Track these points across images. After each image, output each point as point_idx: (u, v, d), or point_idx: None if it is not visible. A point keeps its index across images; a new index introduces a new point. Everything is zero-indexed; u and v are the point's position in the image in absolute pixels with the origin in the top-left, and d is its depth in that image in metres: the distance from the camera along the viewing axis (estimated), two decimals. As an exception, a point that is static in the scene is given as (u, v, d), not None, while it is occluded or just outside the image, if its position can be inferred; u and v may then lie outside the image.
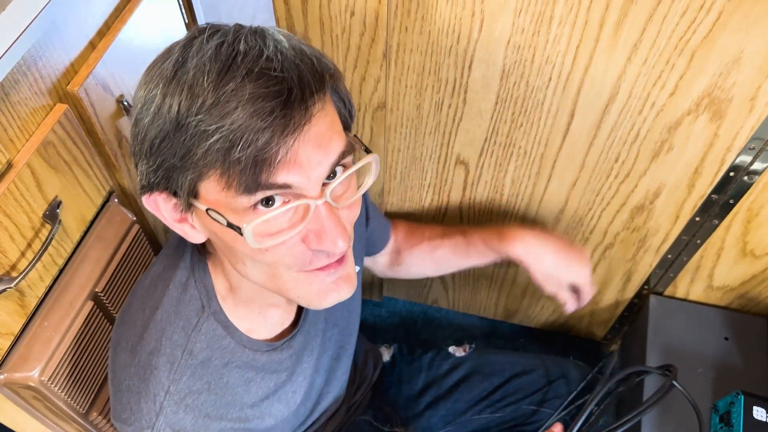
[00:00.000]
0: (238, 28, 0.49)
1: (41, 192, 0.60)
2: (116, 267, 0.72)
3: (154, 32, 0.72)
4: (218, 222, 0.49)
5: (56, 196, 0.62)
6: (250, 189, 0.46)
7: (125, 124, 0.71)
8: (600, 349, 1.38)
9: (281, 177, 0.46)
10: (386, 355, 1.09)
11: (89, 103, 0.64)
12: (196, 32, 0.48)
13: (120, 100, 0.69)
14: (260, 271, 0.54)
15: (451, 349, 1.08)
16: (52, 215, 0.61)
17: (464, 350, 1.08)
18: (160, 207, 0.52)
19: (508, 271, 1.19)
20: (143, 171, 0.50)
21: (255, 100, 0.44)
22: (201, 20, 0.80)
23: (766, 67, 0.70)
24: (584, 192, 0.95)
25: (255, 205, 0.48)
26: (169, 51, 0.49)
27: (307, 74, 0.47)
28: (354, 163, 0.53)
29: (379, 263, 0.95)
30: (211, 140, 0.45)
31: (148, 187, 0.51)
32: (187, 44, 0.48)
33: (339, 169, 0.51)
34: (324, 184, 0.50)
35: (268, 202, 0.48)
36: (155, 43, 0.51)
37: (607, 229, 1.01)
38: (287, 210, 0.49)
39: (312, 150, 0.47)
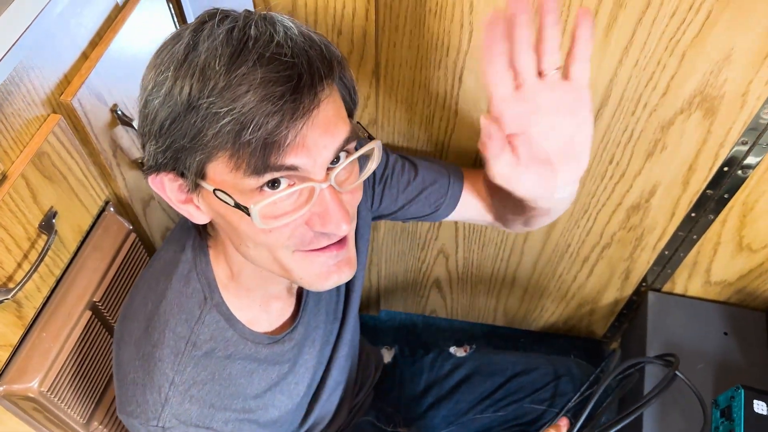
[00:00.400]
0: (248, 14, 0.50)
1: (36, 203, 0.60)
2: (114, 276, 0.72)
3: (147, 41, 0.73)
4: (225, 202, 0.50)
5: (51, 207, 0.62)
6: (258, 170, 0.48)
7: (120, 133, 0.71)
8: (600, 348, 1.38)
9: (289, 159, 0.48)
10: (387, 356, 1.10)
11: (83, 113, 0.64)
12: (206, 17, 0.50)
13: (114, 110, 0.69)
14: (262, 252, 0.55)
15: (452, 349, 1.08)
16: (47, 226, 0.61)
17: (465, 351, 1.08)
18: (166, 187, 0.54)
19: (506, 276, 1.19)
20: (151, 152, 0.51)
21: (266, 84, 0.46)
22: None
23: (756, 63, 0.71)
24: (579, 195, 0.95)
25: (261, 187, 0.49)
26: (178, 35, 0.50)
27: (316, 60, 0.48)
28: (357, 149, 0.54)
29: (484, 221, 0.84)
30: (222, 122, 0.46)
31: (155, 168, 0.52)
32: (197, 28, 0.49)
33: (343, 154, 0.53)
34: (329, 169, 0.51)
35: (274, 184, 0.50)
36: (148, 52, 0.51)
37: (604, 229, 1.01)
38: (293, 192, 0.50)
39: (319, 134, 0.49)
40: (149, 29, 0.74)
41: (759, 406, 0.88)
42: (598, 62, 0.74)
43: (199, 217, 0.56)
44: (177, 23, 0.80)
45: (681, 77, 0.74)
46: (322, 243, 0.54)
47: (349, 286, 0.77)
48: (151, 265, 0.65)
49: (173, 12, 0.79)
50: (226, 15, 0.49)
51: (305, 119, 0.47)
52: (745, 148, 0.81)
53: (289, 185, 0.50)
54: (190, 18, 0.80)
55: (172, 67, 0.48)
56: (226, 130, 0.46)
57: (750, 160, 0.82)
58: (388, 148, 0.79)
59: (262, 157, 0.47)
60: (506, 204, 0.71)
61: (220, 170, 0.49)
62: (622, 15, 0.69)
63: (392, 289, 1.32)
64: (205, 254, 0.62)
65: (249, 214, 0.49)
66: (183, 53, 0.48)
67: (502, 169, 0.54)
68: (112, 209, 0.73)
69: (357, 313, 0.81)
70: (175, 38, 0.50)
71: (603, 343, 1.38)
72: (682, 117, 0.79)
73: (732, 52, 0.70)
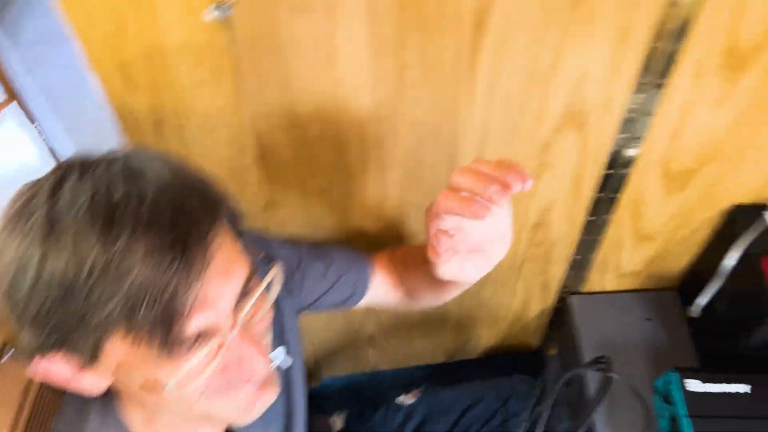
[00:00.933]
0: (108, 163, 0.44)
1: None
2: (26, 427, 0.67)
3: (11, 164, 0.69)
4: (131, 378, 0.46)
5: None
6: (162, 344, 0.43)
7: None
8: (541, 357, 1.41)
9: (193, 323, 0.44)
10: (338, 422, 1.07)
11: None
12: (62, 173, 0.43)
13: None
14: (173, 407, 0.51)
15: (400, 399, 1.07)
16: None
17: (414, 396, 1.07)
18: (53, 371, 0.47)
19: (435, 315, 1.20)
20: (29, 338, 0.45)
21: (151, 253, 0.41)
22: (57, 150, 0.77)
23: (609, 76, 0.76)
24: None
25: (169, 354, 0.45)
26: (34, 196, 0.43)
27: (198, 211, 0.44)
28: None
29: (393, 300, 0.85)
30: (111, 305, 0.41)
31: (37, 351, 0.45)
32: (55, 189, 0.43)
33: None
34: (235, 310, 0.48)
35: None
36: (13, 176, 0.48)
37: (515, 251, 1.05)
38: (203, 351, 0.46)
39: (219, 285, 0.46)
40: (11, 151, 0.70)
41: (693, 384, 0.92)
42: (470, 103, 0.77)
43: (99, 388, 0.49)
44: (41, 142, 0.76)
45: (548, 101, 0.78)
46: (239, 384, 0.51)
47: (288, 379, 0.74)
48: (57, 419, 0.59)
49: (35, 132, 0.75)
50: (85, 168, 0.44)
51: (201, 276, 0.43)
52: (620, 148, 0.86)
53: (197, 343, 0.46)
54: (52, 130, 0.76)
55: (37, 243, 0.41)
56: (117, 312, 0.41)
57: (628, 155, 0.87)
58: (296, 241, 0.78)
59: (162, 330, 0.43)
60: (430, 286, 0.75)
61: (118, 346, 0.44)
62: (480, 58, 0.72)
63: (330, 356, 1.30)
64: (114, 403, 0.57)
65: (160, 388, 0.45)
66: (47, 226, 0.41)
67: (449, 267, 0.61)
68: (9, 354, 0.68)
69: (304, 406, 0.78)
70: (30, 203, 0.43)
71: (542, 351, 1.41)
72: (559, 136, 0.83)
73: (586, 71, 0.75)
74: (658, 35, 0.72)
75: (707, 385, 0.92)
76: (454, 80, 0.74)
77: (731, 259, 0.93)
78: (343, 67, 0.71)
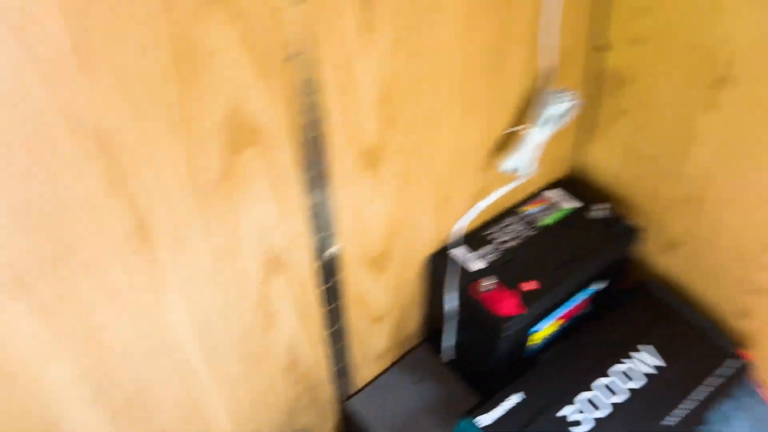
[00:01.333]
0: None
1: None
2: None
3: None
4: None
5: None
6: None
7: None
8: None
9: None
10: None
11: None
12: None
13: None
14: None
15: None
16: None
17: None
18: None
19: None
20: None
21: None
22: None
23: (283, 218, 0.80)
24: (247, 393, 0.94)
25: None
26: None
27: None
28: None
29: None
30: None
31: None
32: None
33: None
34: None
35: None
36: None
37: (287, 397, 1.03)
38: None
39: None
40: None
41: (483, 419, 1.00)
42: (174, 314, 0.74)
43: None
44: None
45: (246, 264, 0.79)
46: None
47: None
48: None
49: None
50: None
51: None
52: (323, 263, 0.91)
53: None
54: None
55: None
56: None
57: (332, 267, 0.93)
58: None
59: None
60: None
61: None
62: (161, 267, 0.70)
63: None
64: None
65: None
66: None
67: None
68: None
69: None
70: None
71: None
72: (269, 286, 0.85)
73: (263, 224, 0.78)
74: (306, 166, 0.78)
75: (493, 412, 1.01)
76: (144, 304, 0.70)
77: (451, 300, 1.06)
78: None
